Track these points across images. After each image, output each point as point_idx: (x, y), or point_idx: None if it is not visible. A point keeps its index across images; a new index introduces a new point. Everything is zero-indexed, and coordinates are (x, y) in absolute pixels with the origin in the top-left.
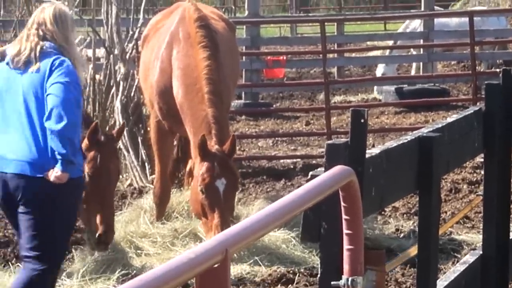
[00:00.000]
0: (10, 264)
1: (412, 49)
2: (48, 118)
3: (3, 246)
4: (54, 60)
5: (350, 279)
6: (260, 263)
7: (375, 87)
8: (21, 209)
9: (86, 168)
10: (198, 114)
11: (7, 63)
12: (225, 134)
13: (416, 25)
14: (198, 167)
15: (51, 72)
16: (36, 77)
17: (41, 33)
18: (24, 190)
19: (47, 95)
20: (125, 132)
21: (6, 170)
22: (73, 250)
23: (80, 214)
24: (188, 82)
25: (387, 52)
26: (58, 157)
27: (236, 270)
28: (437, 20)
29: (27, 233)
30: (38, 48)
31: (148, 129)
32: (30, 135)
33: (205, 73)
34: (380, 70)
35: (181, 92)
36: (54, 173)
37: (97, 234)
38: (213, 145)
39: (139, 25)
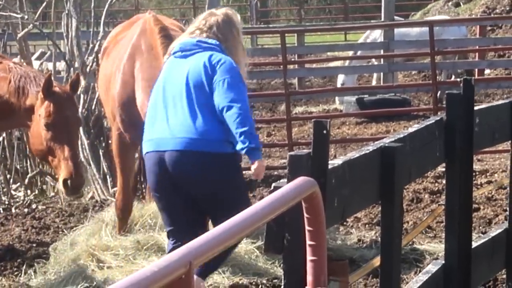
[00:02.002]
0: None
1: (374, 60)
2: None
3: None
4: (216, 56)
5: None
6: (223, 274)
7: (336, 98)
8: (187, 185)
9: (43, 119)
10: None
11: (173, 53)
12: None
13: (377, 35)
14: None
15: (214, 66)
16: (199, 67)
17: (208, 30)
18: (189, 165)
19: (216, 90)
20: (86, 145)
21: (167, 148)
22: (35, 264)
23: (51, 165)
24: None
25: (346, 62)
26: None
27: (210, 279)
28: (398, 30)
29: (213, 202)
30: (204, 40)
31: (110, 141)
32: (193, 116)
33: None
34: (340, 80)
35: (147, 103)
36: (254, 168)
37: (61, 180)
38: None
39: (99, 38)
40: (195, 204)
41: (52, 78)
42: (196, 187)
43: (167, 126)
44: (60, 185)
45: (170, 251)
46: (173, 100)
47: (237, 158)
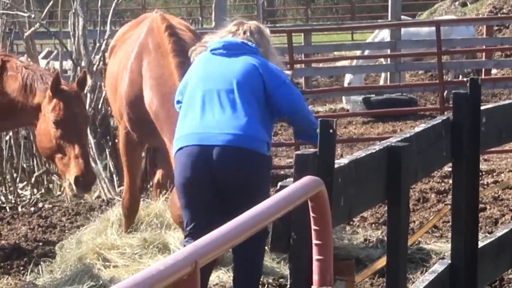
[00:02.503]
0: None
1: (382, 59)
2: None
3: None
4: (263, 60)
5: None
6: (229, 273)
7: (343, 97)
8: (223, 180)
9: (52, 116)
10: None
11: (211, 51)
12: None
13: (385, 35)
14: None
15: (265, 70)
16: (250, 69)
17: (247, 33)
18: (231, 160)
19: (273, 96)
20: (92, 144)
21: (211, 143)
22: (41, 263)
23: (57, 164)
24: (164, 91)
25: (354, 62)
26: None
27: (215, 273)
28: (407, 30)
29: (241, 202)
30: (247, 43)
31: (116, 140)
32: (240, 114)
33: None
34: (347, 80)
35: (156, 102)
36: None
37: (73, 177)
38: None
39: (106, 37)
40: (221, 205)
41: (60, 76)
42: (232, 180)
43: (212, 120)
44: (71, 183)
45: None
46: (218, 96)
47: (270, 162)
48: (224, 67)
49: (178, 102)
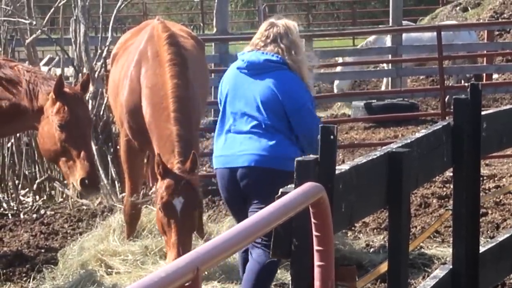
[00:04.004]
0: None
1: (385, 64)
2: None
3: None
4: (283, 79)
5: None
6: (231, 280)
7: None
8: (253, 200)
9: (56, 119)
10: (163, 132)
11: (238, 68)
12: (190, 152)
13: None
14: (159, 185)
15: (283, 91)
16: (270, 91)
17: (271, 43)
18: (257, 181)
19: (292, 112)
20: (94, 151)
21: (236, 165)
22: (43, 270)
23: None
24: (155, 101)
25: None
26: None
27: (206, 287)
28: (409, 35)
29: None
30: (270, 59)
31: (118, 147)
32: (262, 134)
33: (172, 91)
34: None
35: (148, 111)
36: None
37: (78, 180)
38: (174, 164)
39: (107, 43)
40: None
41: (63, 78)
42: (261, 199)
43: (235, 142)
44: (76, 185)
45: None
46: (242, 116)
47: None
48: (248, 88)
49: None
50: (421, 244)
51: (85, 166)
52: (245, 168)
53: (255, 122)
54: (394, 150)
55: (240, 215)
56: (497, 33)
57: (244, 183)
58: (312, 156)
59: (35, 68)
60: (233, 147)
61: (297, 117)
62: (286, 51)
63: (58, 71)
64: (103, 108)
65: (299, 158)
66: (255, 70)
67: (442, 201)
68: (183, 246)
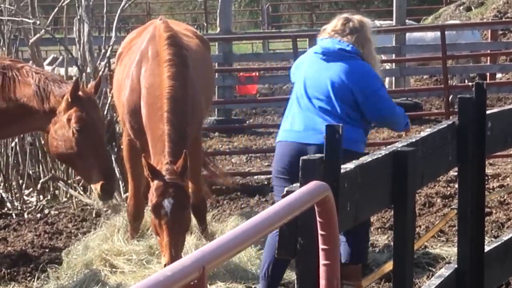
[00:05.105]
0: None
1: (388, 64)
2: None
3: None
4: (358, 67)
5: None
6: (236, 279)
7: None
8: None
9: (73, 123)
10: (156, 133)
11: (315, 53)
12: (181, 152)
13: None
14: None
15: (357, 78)
16: (343, 77)
17: (347, 35)
18: None
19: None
20: None
21: (308, 141)
22: (47, 269)
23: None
24: (151, 101)
25: None
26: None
27: (211, 287)
28: (412, 35)
29: None
30: (345, 49)
31: (122, 147)
32: (335, 116)
33: (167, 92)
34: None
35: (145, 112)
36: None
37: (99, 185)
38: (163, 164)
39: (111, 43)
40: None
41: (79, 82)
42: None
43: (307, 120)
44: (97, 190)
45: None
46: (315, 97)
47: None
48: (320, 72)
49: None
50: (425, 243)
51: (106, 171)
52: (317, 145)
53: (325, 105)
54: (399, 149)
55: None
56: (500, 32)
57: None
58: (317, 155)
59: (43, 70)
60: (304, 125)
61: (369, 104)
62: (359, 45)
63: (62, 70)
64: (106, 107)
65: (305, 157)
66: (329, 56)
67: (446, 200)
68: (175, 247)
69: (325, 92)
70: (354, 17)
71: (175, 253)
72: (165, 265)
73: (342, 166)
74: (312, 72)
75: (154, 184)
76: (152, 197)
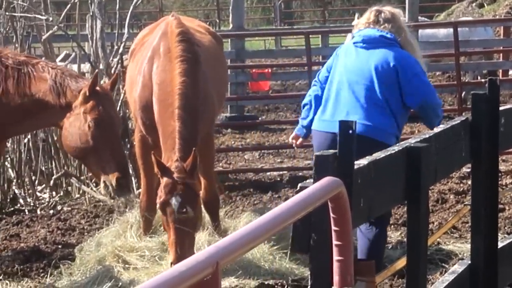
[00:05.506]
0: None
1: None
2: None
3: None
4: (399, 53)
5: None
6: (249, 275)
7: None
8: None
9: (90, 117)
10: (166, 129)
11: (354, 43)
12: (191, 149)
13: None
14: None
15: (401, 64)
16: (386, 63)
17: (386, 23)
18: (358, 149)
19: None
20: None
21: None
22: (60, 265)
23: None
24: (162, 98)
25: None
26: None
27: (224, 282)
28: (425, 31)
29: None
30: (385, 36)
31: (134, 143)
32: (372, 106)
33: (178, 88)
34: None
35: (156, 108)
36: None
37: (114, 179)
38: (173, 161)
39: (123, 39)
40: None
41: (98, 77)
42: None
43: (343, 109)
44: (113, 184)
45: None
46: (353, 86)
47: None
48: (362, 60)
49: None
50: (438, 240)
51: (121, 165)
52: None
53: (365, 93)
54: (412, 145)
55: None
56: None
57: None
58: (331, 151)
59: (60, 65)
60: (340, 114)
61: (410, 87)
62: (396, 33)
63: (75, 67)
64: (119, 104)
65: (318, 153)
66: (371, 44)
67: (459, 197)
68: (181, 246)
69: (369, 78)
70: (384, 8)
71: (181, 252)
72: (171, 264)
73: (356, 162)
74: (352, 61)
75: (163, 181)
76: (160, 194)
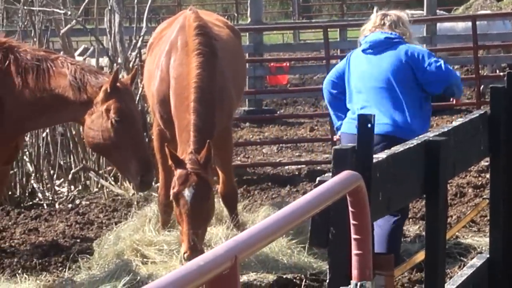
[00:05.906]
0: (17, 275)
1: None
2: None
3: (10, 256)
4: (409, 48)
5: (358, 284)
6: (267, 269)
7: None
8: None
9: (113, 113)
10: (182, 122)
11: (363, 51)
12: (205, 142)
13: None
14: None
15: (413, 58)
16: (400, 63)
17: (389, 26)
18: (385, 149)
19: (425, 77)
20: None
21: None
22: (79, 259)
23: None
24: (179, 91)
25: None
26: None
27: (242, 277)
28: (443, 25)
29: None
30: (390, 36)
31: (152, 137)
32: (397, 107)
33: (194, 81)
34: None
35: (173, 101)
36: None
37: (138, 176)
38: (187, 154)
39: (142, 33)
40: None
41: (118, 73)
42: None
43: (367, 110)
44: (137, 180)
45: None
46: (374, 87)
47: None
48: (373, 65)
49: (333, 82)
50: (457, 233)
51: (144, 162)
52: (378, 135)
53: (385, 95)
54: (431, 138)
55: None
56: None
57: (377, 148)
58: (349, 145)
59: (79, 60)
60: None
61: (428, 76)
62: (401, 35)
63: (93, 61)
64: (137, 98)
65: (337, 147)
66: (378, 47)
67: (478, 190)
68: (193, 236)
69: (385, 80)
70: (390, 12)
71: (193, 242)
72: (184, 254)
73: (374, 156)
74: (364, 68)
75: (176, 173)
76: (174, 186)
